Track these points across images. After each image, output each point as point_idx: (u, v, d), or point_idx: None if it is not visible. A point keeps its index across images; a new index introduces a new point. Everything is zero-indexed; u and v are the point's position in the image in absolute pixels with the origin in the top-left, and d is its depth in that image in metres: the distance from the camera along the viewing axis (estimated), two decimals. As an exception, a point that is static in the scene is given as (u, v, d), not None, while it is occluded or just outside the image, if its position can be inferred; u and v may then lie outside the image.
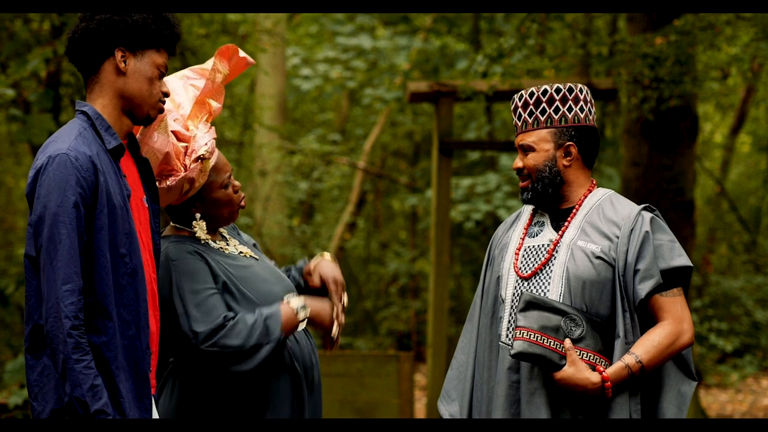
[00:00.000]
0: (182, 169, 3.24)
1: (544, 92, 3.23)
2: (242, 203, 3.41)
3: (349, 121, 14.94)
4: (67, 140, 2.78)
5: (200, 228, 3.33)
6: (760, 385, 11.83)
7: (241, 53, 3.41)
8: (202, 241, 3.32)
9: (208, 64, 3.36)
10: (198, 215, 3.33)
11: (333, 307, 3.32)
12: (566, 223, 3.21)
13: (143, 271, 2.88)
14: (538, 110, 3.23)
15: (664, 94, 7.55)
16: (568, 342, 3.04)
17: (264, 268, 3.37)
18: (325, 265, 3.44)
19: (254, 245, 3.52)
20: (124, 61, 2.87)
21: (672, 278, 3.12)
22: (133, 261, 2.84)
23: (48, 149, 2.79)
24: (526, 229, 3.30)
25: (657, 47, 7.22)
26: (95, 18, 2.87)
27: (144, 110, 2.92)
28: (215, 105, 3.38)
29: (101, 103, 2.89)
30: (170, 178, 3.23)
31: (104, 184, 2.77)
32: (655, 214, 3.18)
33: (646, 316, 3.15)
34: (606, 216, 3.17)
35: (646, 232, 3.11)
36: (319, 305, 3.30)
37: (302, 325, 3.25)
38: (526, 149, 3.23)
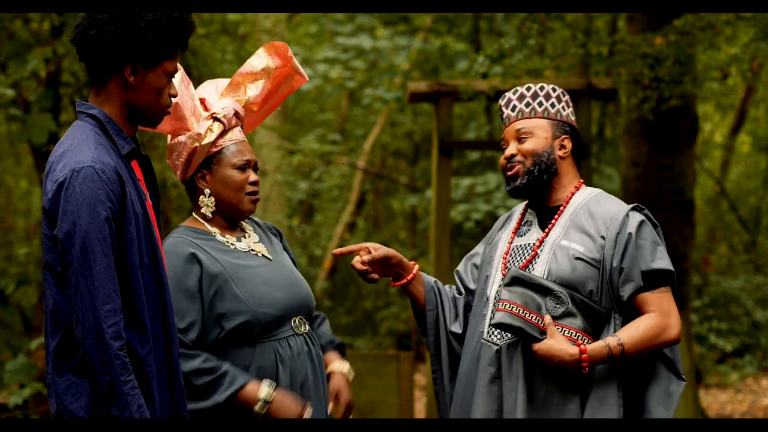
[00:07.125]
0: (194, 128, 3.24)
1: (542, 88, 3.30)
2: (255, 197, 3.29)
3: (349, 121, 14.93)
4: (86, 150, 2.64)
5: (206, 205, 3.26)
6: (760, 385, 11.83)
7: (292, 59, 3.37)
8: (212, 233, 3.24)
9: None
10: (207, 191, 3.25)
11: (303, 410, 3.15)
12: (552, 222, 3.22)
13: (167, 279, 2.79)
14: (536, 102, 3.27)
15: (664, 94, 7.55)
16: (548, 318, 3.05)
17: (275, 271, 3.26)
18: (337, 380, 3.34)
19: (285, 248, 3.44)
20: (134, 75, 2.74)
21: (656, 278, 3.11)
22: (158, 269, 2.74)
23: (67, 160, 2.63)
24: (515, 230, 3.31)
25: (657, 47, 7.22)
26: (106, 29, 2.68)
27: (150, 118, 2.83)
28: (252, 92, 3.35)
29: (108, 110, 2.76)
30: (180, 135, 3.23)
31: (129, 194, 2.66)
32: (644, 214, 3.18)
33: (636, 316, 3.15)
34: (592, 215, 3.17)
35: (630, 233, 3.10)
36: (285, 406, 3.12)
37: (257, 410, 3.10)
38: (523, 136, 3.24)
